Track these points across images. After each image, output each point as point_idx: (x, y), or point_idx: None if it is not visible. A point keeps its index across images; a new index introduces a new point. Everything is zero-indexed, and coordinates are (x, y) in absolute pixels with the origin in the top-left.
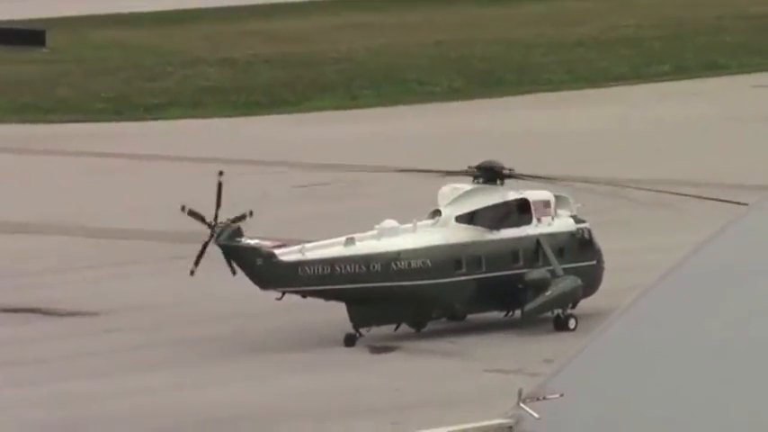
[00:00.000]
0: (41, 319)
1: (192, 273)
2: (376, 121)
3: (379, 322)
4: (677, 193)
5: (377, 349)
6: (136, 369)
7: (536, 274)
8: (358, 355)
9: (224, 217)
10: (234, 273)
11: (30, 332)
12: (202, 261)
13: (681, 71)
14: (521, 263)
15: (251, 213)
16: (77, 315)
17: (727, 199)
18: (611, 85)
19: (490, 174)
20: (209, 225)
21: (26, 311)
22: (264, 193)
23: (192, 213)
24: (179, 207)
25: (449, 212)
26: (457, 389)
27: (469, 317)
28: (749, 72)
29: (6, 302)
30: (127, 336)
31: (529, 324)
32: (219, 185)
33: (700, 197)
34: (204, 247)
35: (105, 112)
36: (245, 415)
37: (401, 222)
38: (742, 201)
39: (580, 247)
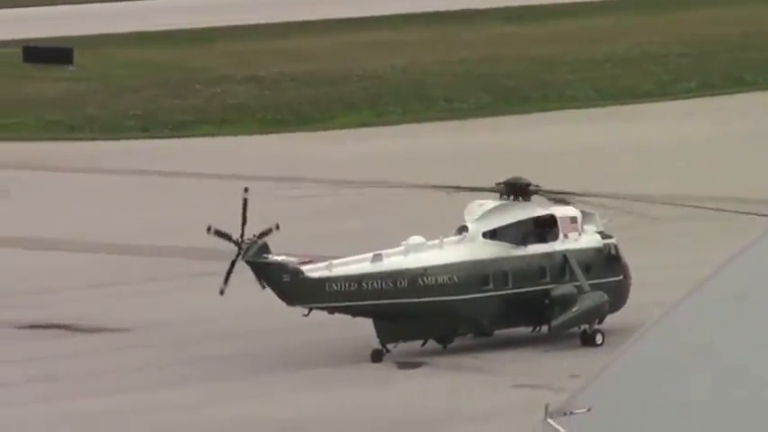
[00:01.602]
0: (66, 335)
1: (221, 292)
2: (402, 137)
3: (406, 338)
4: (705, 207)
5: (404, 365)
6: (160, 385)
7: (563, 289)
8: (385, 370)
9: (250, 233)
10: (263, 287)
11: (54, 348)
12: (220, 280)
13: (707, 88)
14: (547, 278)
15: (277, 227)
16: (102, 331)
17: (754, 212)
18: (638, 102)
19: (517, 190)
20: (236, 243)
21: (51, 327)
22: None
23: (219, 233)
24: (205, 228)
25: (476, 228)
26: (484, 404)
27: (496, 332)
28: None
29: (32, 319)
30: (151, 352)
31: (556, 340)
32: (245, 202)
33: (726, 210)
34: (233, 264)
35: (133, 129)
36: (271, 431)
37: (428, 238)
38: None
39: (607, 262)
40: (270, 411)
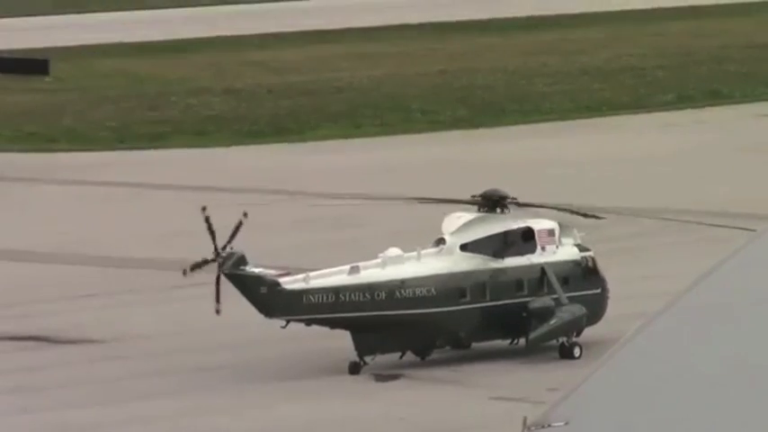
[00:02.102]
0: (45, 347)
1: (217, 312)
2: (379, 149)
3: (384, 350)
4: (682, 221)
5: (381, 378)
6: (138, 397)
7: (540, 302)
8: (362, 383)
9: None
10: (218, 312)
11: (34, 360)
12: (205, 290)
13: (684, 100)
14: (525, 291)
15: (245, 215)
16: (80, 343)
17: (734, 225)
18: (615, 115)
19: (494, 202)
20: (214, 260)
21: (30, 339)
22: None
23: (196, 266)
24: (182, 272)
25: (453, 241)
26: (461, 417)
27: (474, 345)
28: (753, 101)
29: (11, 330)
30: (129, 364)
31: (533, 352)
32: (207, 220)
33: (703, 223)
34: (218, 282)
35: (109, 140)
36: None
37: (405, 251)
38: (749, 228)
39: (584, 275)
40: (247, 424)
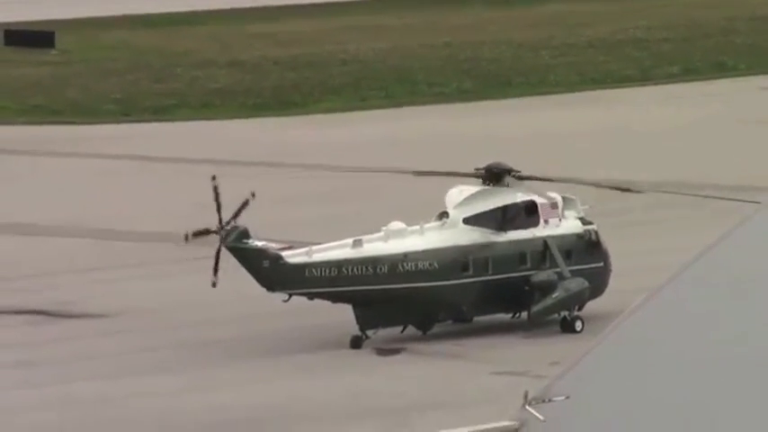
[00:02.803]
0: (50, 320)
1: (213, 284)
2: (385, 122)
3: (386, 324)
4: (685, 194)
5: (383, 351)
6: (144, 371)
7: (543, 276)
8: (364, 357)
9: (227, 217)
10: (214, 284)
11: (39, 334)
12: (207, 264)
13: (690, 73)
14: (528, 265)
15: (253, 195)
16: (86, 317)
17: (739, 198)
18: (620, 87)
19: (498, 175)
20: (216, 232)
21: (35, 313)
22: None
23: (198, 234)
24: (183, 238)
25: (456, 214)
26: (463, 391)
27: (476, 319)
28: (758, 74)
29: (16, 304)
30: (135, 338)
31: (535, 326)
32: (215, 189)
33: (709, 196)
34: (218, 254)
35: (114, 113)
36: (252, 417)
37: (408, 224)
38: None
39: (587, 248)
40: (250, 398)
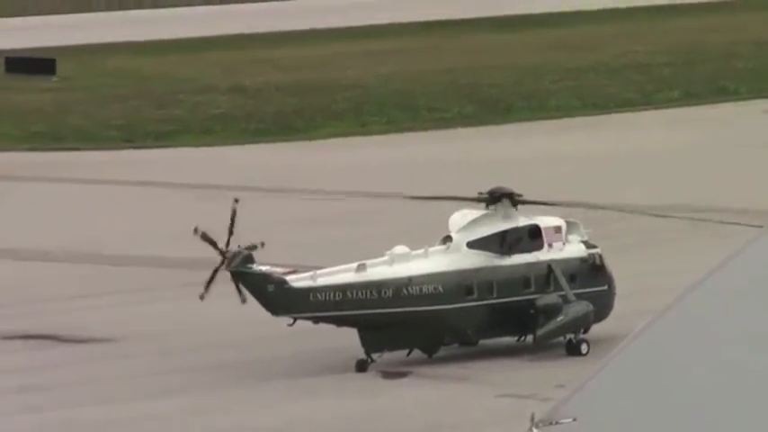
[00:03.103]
0: (55, 345)
1: (201, 297)
2: (386, 147)
3: (391, 348)
4: (687, 218)
5: (389, 375)
6: (148, 395)
7: (548, 299)
8: (370, 380)
9: (235, 245)
10: (243, 301)
11: (44, 358)
12: (214, 288)
13: (691, 97)
14: (532, 288)
15: (262, 244)
16: (90, 342)
17: (741, 222)
18: (622, 111)
19: (501, 199)
20: (221, 251)
21: (40, 338)
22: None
23: (205, 238)
24: (192, 229)
25: (460, 238)
26: (469, 414)
27: (481, 342)
28: (760, 98)
29: (19, 329)
30: (140, 362)
31: (541, 349)
32: (234, 213)
33: (711, 220)
34: (215, 272)
35: (116, 139)
36: None
37: (412, 248)
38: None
39: (591, 272)
40: (255, 421)
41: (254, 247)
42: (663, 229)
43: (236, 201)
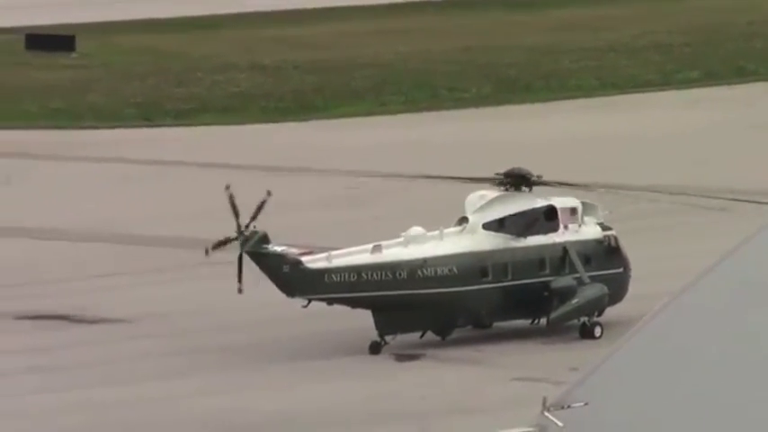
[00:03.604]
0: (68, 326)
1: (239, 291)
2: (405, 127)
3: (405, 330)
4: (709, 197)
5: (402, 357)
6: (160, 376)
7: (562, 281)
8: (383, 362)
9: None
10: (240, 290)
11: (54, 339)
12: (228, 269)
13: (710, 77)
14: (547, 270)
15: (269, 194)
16: (104, 322)
17: (762, 201)
18: (641, 92)
19: (518, 181)
20: (236, 239)
21: (53, 318)
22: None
23: (218, 245)
24: (204, 252)
25: (476, 220)
26: (482, 397)
27: (495, 324)
28: None
29: (32, 309)
30: (152, 343)
31: (555, 332)
32: (230, 198)
33: (729, 199)
34: (240, 261)
35: (135, 117)
36: (270, 422)
37: (428, 229)
38: None
39: (607, 254)
40: (266, 403)
41: (261, 205)
42: (678, 211)
43: (228, 187)
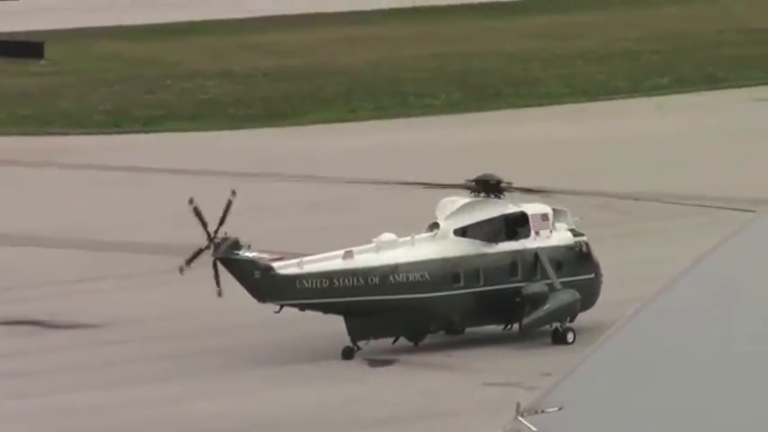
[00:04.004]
0: (40, 331)
1: (181, 270)
2: (374, 133)
3: (377, 335)
4: (677, 203)
5: (375, 362)
6: (133, 381)
7: (534, 287)
8: (356, 368)
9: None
10: (220, 293)
11: (29, 344)
12: (201, 274)
13: (680, 84)
14: (519, 276)
15: (234, 193)
16: (78, 327)
17: (731, 207)
18: (610, 99)
19: (488, 187)
20: (209, 235)
21: (25, 324)
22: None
23: (197, 213)
24: (188, 200)
25: (447, 226)
26: (455, 402)
27: (468, 330)
28: (748, 86)
29: (4, 314)
30: (126, 348)
31: (527, 338)
32: (195, 210)
33: (702, 205)
34: (199, 252)
35: (104, 124)
36: (242, 428)
37: (399, 235)
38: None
39: (578, 260)
40: (242, 407)
41: (229, 204)
42: (649, 217)
43: (191, 201)
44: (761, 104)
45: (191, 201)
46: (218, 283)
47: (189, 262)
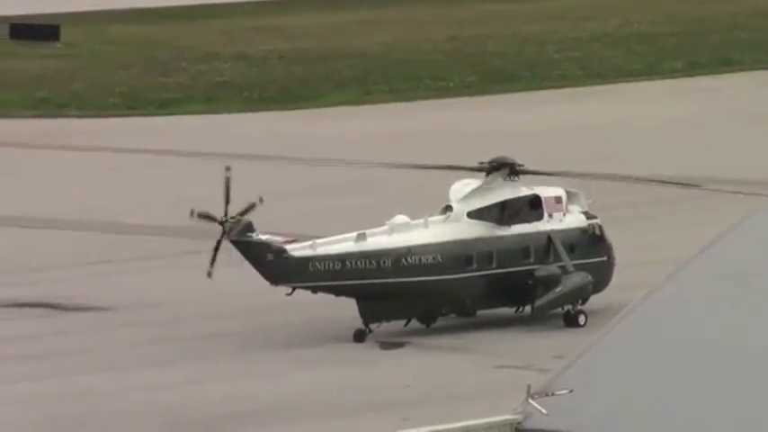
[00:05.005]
0: (56, 314)
1: (209, 274)
2: (389, 116)
3: (389, 318)
4: (692, 186)
5: (387, 345)
6: (148, 364)
7: (546, 270)
8: (368, 350)
9: (233, 211)
10: (210, 274)
11: (45, 327)
12: (217, 260)
13: (695, 67)
14: (531, 259)
15: (261, 200)
16: (92, 310)
17: (746, 192)
18: (625, 81)
19: (502, 169)
20: (220, 222)
21: (41, 306)
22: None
23: (202, 216)
24: (189, 213)
25: (460, 208)
26: (466, 385)
27: (479, 313)
28: (764, 68)
29: (22, 297)
30: (140, 331)
31: (539, 320)
32: (227, 181)
33: (717, 190)
34: (218, 245)
35: (119, 107)
36: (256, 410)
37: (413, 218)
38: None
39: (591, 243)
40: (253, 391)
41: (252, 207)
42: (665, 200)
43: (228, 168)
44: None
45: (227, 168)
46: (212, 262)
47: (201, 216)
